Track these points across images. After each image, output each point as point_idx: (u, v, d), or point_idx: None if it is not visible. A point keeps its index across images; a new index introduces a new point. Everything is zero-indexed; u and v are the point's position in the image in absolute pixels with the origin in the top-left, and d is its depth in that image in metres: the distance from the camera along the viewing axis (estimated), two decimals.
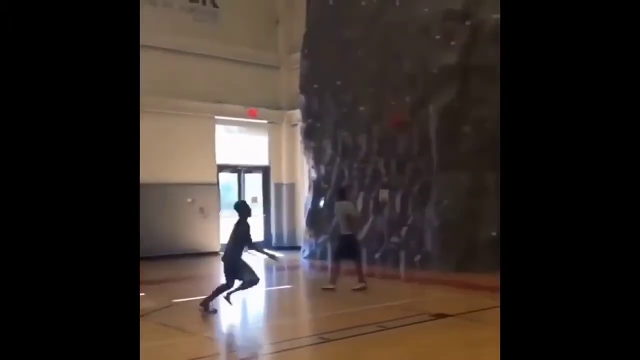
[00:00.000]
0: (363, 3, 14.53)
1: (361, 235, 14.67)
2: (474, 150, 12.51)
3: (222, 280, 9.09)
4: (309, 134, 16.34)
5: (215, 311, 8.84)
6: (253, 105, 18.10)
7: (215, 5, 17.77)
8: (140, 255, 3.35)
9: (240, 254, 9.05)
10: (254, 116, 18.23)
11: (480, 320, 8.41)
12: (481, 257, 12.47)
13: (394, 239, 13.92)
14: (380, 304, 9.60)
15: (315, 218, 16.17)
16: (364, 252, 14.47)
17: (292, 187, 18.88)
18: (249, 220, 9.14)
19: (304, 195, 17.35)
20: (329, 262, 14.90)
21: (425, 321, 8.32)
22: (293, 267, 14.93)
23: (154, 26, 15.22)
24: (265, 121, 18.84)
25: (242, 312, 9.73)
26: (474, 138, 12.51)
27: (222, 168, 17.93)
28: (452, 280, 11.50)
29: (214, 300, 8.95)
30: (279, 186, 19.04)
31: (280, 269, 14.63)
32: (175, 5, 17.09)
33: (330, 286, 10.71)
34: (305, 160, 16.98)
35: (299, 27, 16.90)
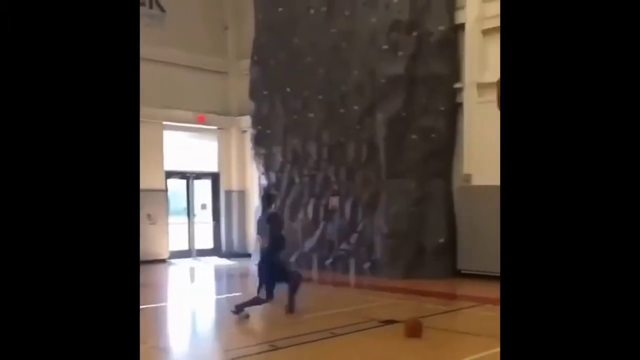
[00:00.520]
0: (312, 11, 14.61)
1: (312, 242, 14.75)
2: (420, 159, 12.74)
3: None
4: (259, 141, 16.30)
5: (247, 316, 8.92)
6: (202, 111, 17.93)
7: (162, 10, 17.53)
8: None
9: (278, 260, 9.22)
10: (202, 122, 18.05)
11: (428, 326, 8.53)
12: (429, 264, 12.72)
13: (344, 246, 14.01)
14: (330, 311, 9.63)
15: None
16: (314, 261, 14.57)
17: (242, 194, 18.77)
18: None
19: (255, 202, 17.27)
20: None
21: (374, 327, 8.40)
22: (243, 275, 14.81)
23: None
24: (214, 127, 18.69)
25: (191, 320, 9.60)
26: (420, 146, 12.74)
27: (170, 174, 17.67)
28: (400, 286, 11.66)
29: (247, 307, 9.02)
30: (229, 193, 18.90)
31: (230, 276, 14.51)
32: None
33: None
34: (255, 167, 16.92)
35: (249, 33, 16.86)
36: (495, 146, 11.46)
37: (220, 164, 18.92)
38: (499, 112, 9.36)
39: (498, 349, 7.32)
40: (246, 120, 17.43)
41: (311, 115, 14.78)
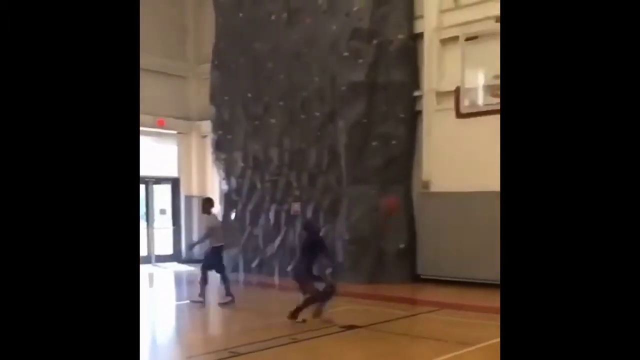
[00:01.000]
0: (273, 17, 14.65)
1: (273, 248, 14.76)
2: (381, 165, 12.91)
3: None
4: (220, 146, 16.24)
5: (304, 321, 8.91)
6: (162, 115, 17.74)
7: None
8: None
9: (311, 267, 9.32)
10: (162, 126, 17.87)
11: (388, 330, 8.67)
12: (389, 269, 12.88)
13: None
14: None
15: (226, 231, 16.03)
16: (276, 267, 14.56)
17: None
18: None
19: (215, 208, 17.17)
20: (240, 276, 14.87)
21: (335, 333, 8.46)
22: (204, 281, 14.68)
23: None
24: (174, 132, 18.52)
25: (150, 327, 9.49)
26: (381, 153, 12.90)
27: None
28: (362, 291, 11.76)
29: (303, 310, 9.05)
30: (189, 198, 18.74)
31: (190, 282, 14.38)
32: None
33: (200, 299, 10.95)
34: (216, 172, 16.83)
35: (209, 37, 16.78)
36: (453, 153, 11.63)
37: (180, 168, 18.75)
38: (456, 119, 9.56)
39: (457, 353, 7.47)
40: (207, 125, 17.33)
41: (272, 120, 14.80)
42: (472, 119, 9.03)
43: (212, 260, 11.25)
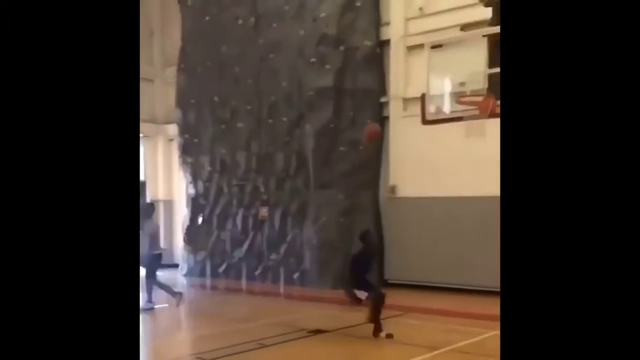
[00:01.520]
0: (240, 21, 14.63)
1: (241, 252, 14.72)
2: (348, 170, 13.00)
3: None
4: (186, 150, 16.14)
5: (391, 335, 8.45)
6: None
7: None
8: None
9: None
10: None
11: (355, 335, 8.73)
12: None
13: (273, 256, 14.06)
14: (259, 321, 9.67)
15: (193, 235, 15.95)
16: (243, 271, 14.53)
17: (169, 204, 18.46)
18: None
19: (182, 212, 17.06)
20: (207, 280, 14.79)
21: (303, 337, 8.49)
22: (170, 285, 14.56)
23: None
24: (140, 135, 18.32)
25: None
26: (348, 158, 13.00)
27: None
28: (329, 296, 11.81)
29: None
30: (155, 202, 18.54)
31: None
32: None
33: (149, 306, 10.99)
34: (182, 175, 16.72)
35: (175, 41, 16.67)
36: (419, 159, 11.80)
37: (146, 172, 18.56)
38: (422, 126, 9.67)
39: (424, 357, 7.57)
40: (173, 129, 17.20)
41: (240, 125, 14.78)
42: (437, 126, 9.16)
43: (152, 267, 11.20)
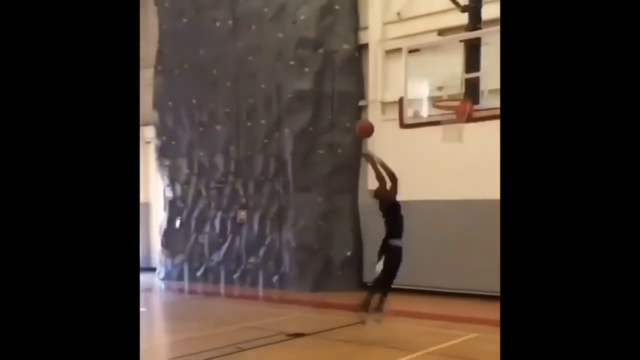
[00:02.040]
0: (218, 24, 14.58)
1: (219, 256, 14.66)
2: (327, 173, 13.03)
3: None
4: (164, 152, 16.03)
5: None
6: None
7: None
8: None
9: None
10: None
11: (336, 338, 8.75)
12: (336, 277, 13.00)
13: (252, 260, 14.03)
14: (237, 325, 9.64)
15: (171, 238, 15.84)
16: (222, 273, 14.47)
17: (146, 207, 18.30)
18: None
19: (159, 215, 16.94)
20: (185, 284, 14.70)
21: (282, 341, 8.49)
22: (147, 289, 14.47)
23: None
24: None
25: None
26: (327, 161, 13.03)
27: None
28: (308, 299, 11.83)
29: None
30: None
31: None
32: None
33: None
34: (160, 178, 16.60)
35: (152, 43, 16.54)
36: (398, 162, 11.83)
37: None
38: (401, 130, 9.74)
39: (406, 359, 7.59)
40: (150, 131, 17.06)
41: (218, 127, 14.72)
42: (415, 130, 9.23)
43: None
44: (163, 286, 15.24)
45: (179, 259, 15.54)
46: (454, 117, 8.11)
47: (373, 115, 13.02)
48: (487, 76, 7.76)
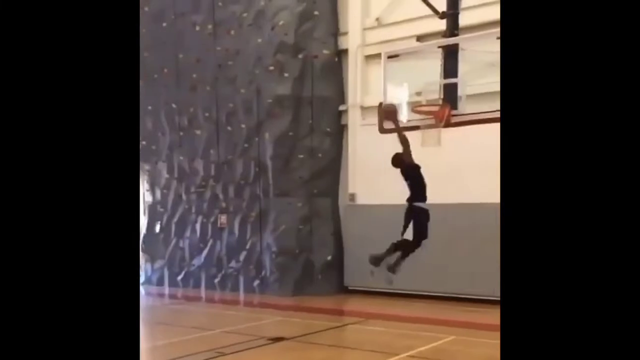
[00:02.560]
0: (197, 28, 14.57)
1: (200, 260, 14.62)
2: (307, 177, 13.08)
3: None
4: (144, 157, 15.92)
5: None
6: None
7: None
8: None
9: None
10: None
11: (316, 342, 8.79)
12: (317, 281, 13.06)
13: (233, 264, 14.02)
14: (218, 330, 9.63)
15: (151, 243, 15.76)
16: (203, 278, 14.44)
17: None
18: None
19: (139, 220, 16.83)
20: (165, 289, 14.63)
21: (262, 345, 8.50)
22: None
23: None
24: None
25: None
26: (307, 166, 13.08)
27: None
28: (289, 303, 11.86)
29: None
30: None
31: None
32: None
33: None
34: (139, 183, 16.51)
35: None
36: (378, 167, 11.86)
37: None
38: (380, 134, 9.78)
39: None
40: None
41: (198, 132, 14.70)
42: (394, 134, 9.30)
43: None
44: (143, 291, 15.14)
45: (159, 263, 15.47)
46: (432, 122, 8.20)
47: (353, 120, 13.12)
48: (464, 82, 7.88)
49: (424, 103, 8.43)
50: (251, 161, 13.76)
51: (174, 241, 15.33)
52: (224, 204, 14.32)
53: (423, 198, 8.11)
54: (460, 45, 8.05)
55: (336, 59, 13.30)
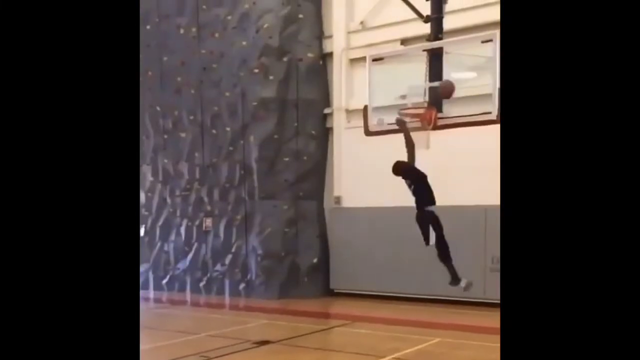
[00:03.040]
0: (182, 31, 14.52)
1: (185, 264, 14.56)
2: (293, 180, 13.08)
3: None
4: None
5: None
6: None
7: None
8: None
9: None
10: None
11: (302, 345, 8.79)
12: (303, 284, 13.06)
13: (218, 267, 13.97)
14: (203, 334, 9.59)
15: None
16: (188, 281, 14.37)
17: None
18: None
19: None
20: (150, 293, 14.55)
21: (248, 349, 8.48)
22: None
23: None
24: None
25: None
26: (293, 168, 13.09)
27: None
28: (275, 307, 11.84)
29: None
30: None
31: None
32: None
33: None
34: None
35: None
36: (363, 170, 11.93)
37: None
38: (365, 137, 9.81)
39: None
40: None
41: (182, 135, 14.64)
42: (379, 137, 9.34)
43: None
44: None
45: (143, 267, 15.36)
46: (418, 124, 8.24)
47: (338, 122, 13.15)
48: None
49: (409, 106, 8.47)
50: (236, 164, 13.73)
51: (158, 245, 15.25)
52: (209, 207, 14.26)
53: (432, 202, 7.95)
54: (445, 49, 8.11)
55: (321, 62, 13.33)
